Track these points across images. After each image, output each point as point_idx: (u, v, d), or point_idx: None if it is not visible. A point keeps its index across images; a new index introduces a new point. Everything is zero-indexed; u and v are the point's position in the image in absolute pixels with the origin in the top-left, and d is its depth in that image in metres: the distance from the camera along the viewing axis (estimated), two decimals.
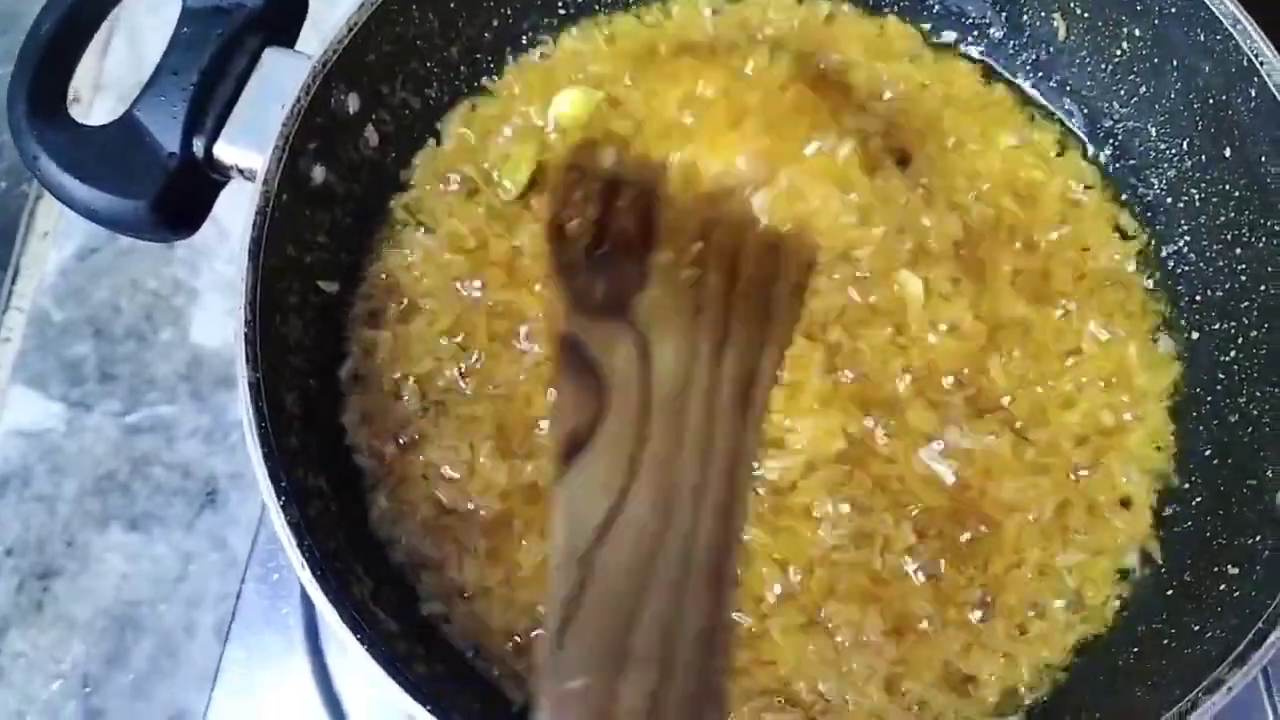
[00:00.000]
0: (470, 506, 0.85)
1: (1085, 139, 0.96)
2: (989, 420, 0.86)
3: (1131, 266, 0.93)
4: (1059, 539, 0.85)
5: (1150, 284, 0.92)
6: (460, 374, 0.88)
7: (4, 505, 1.14)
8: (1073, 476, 0.87)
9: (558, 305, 0.74)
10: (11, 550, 1.13)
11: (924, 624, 0.83)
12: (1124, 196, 0.95)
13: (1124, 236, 0.94)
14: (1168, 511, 0.87)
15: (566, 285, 0.75)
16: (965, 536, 0.84)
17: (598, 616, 0.62)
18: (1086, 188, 0.95)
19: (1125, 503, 0.87)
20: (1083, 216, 0.94)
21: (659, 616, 0.62)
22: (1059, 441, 0.87)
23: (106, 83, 1.22)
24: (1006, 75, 0.98)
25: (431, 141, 0.94)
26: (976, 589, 0.84)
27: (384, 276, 0.90)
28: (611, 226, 0.79)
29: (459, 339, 0.88)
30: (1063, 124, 0.97)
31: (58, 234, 1.22)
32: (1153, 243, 0.93)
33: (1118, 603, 0.85)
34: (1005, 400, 0.87)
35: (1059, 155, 0.96)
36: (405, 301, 0.90)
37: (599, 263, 0.76)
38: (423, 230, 0.91)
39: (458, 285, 0.90)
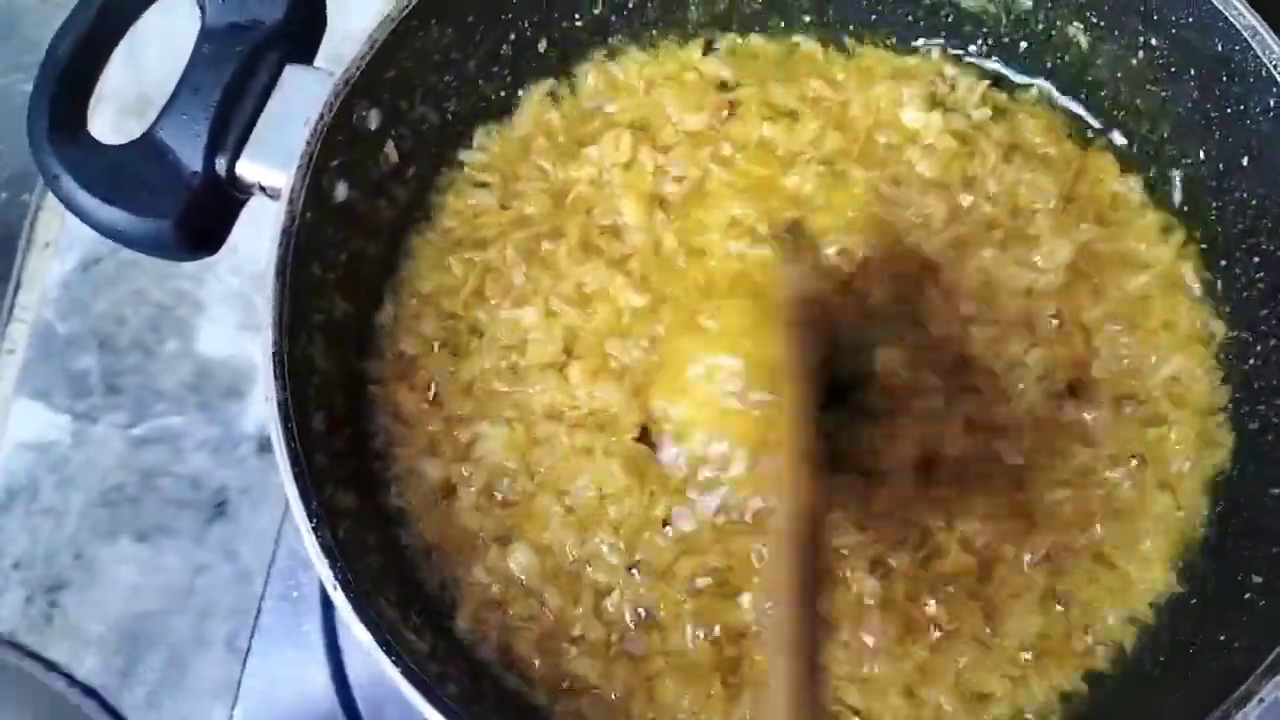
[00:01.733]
0: (506, 484, 0.86)
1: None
2: None
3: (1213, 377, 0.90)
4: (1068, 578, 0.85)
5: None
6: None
7: (11, 518, 1.13)
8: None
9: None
10: (19, 563, 1.12)
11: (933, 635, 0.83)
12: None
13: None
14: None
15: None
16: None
17: None
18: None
19: (1146, 557, 0.86)
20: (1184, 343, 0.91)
21: None
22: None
23: (105, 96, 1.20)
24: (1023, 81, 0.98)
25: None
26: (980, 613, 0.84)
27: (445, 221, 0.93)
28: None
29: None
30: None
31: (60, 245, 1.21)
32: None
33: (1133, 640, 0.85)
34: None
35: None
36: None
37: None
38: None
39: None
